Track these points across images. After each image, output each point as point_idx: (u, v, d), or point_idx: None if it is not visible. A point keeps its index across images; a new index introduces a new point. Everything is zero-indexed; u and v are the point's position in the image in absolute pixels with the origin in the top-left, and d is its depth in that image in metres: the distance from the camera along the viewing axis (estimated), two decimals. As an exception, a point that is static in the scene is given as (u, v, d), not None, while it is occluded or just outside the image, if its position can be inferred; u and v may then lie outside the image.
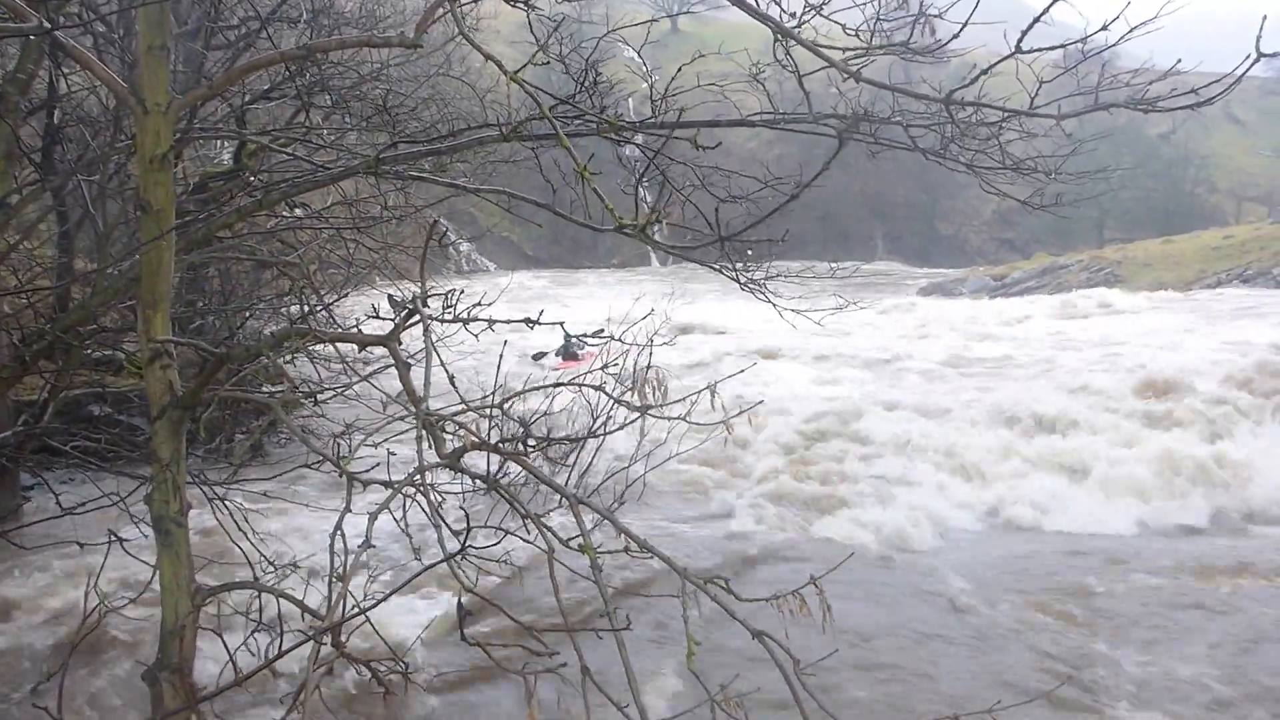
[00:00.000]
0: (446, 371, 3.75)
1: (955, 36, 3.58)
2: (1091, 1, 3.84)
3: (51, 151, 5.78)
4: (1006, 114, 3.85)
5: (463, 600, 3.37)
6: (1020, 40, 3.36)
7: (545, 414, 6.27)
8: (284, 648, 4.38)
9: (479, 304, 4.03)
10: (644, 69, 6.22)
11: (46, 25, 3.61)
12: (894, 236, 65.39)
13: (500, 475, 3.85)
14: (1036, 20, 3.23)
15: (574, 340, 4.41)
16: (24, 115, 5.13)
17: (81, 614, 6.38)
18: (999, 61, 3.47)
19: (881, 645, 7.07)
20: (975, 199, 62.69)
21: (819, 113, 4.90)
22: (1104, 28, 3.29)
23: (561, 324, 3.96)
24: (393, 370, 4.13)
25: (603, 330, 4.27)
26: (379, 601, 3.95)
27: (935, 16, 3.97)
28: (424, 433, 3.54)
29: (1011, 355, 20.28)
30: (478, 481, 3.78)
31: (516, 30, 4.15)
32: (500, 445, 3.51)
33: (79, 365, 6.37)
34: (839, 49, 4.01)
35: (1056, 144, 4.61)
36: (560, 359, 19.09)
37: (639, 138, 5.41)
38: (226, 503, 6.02)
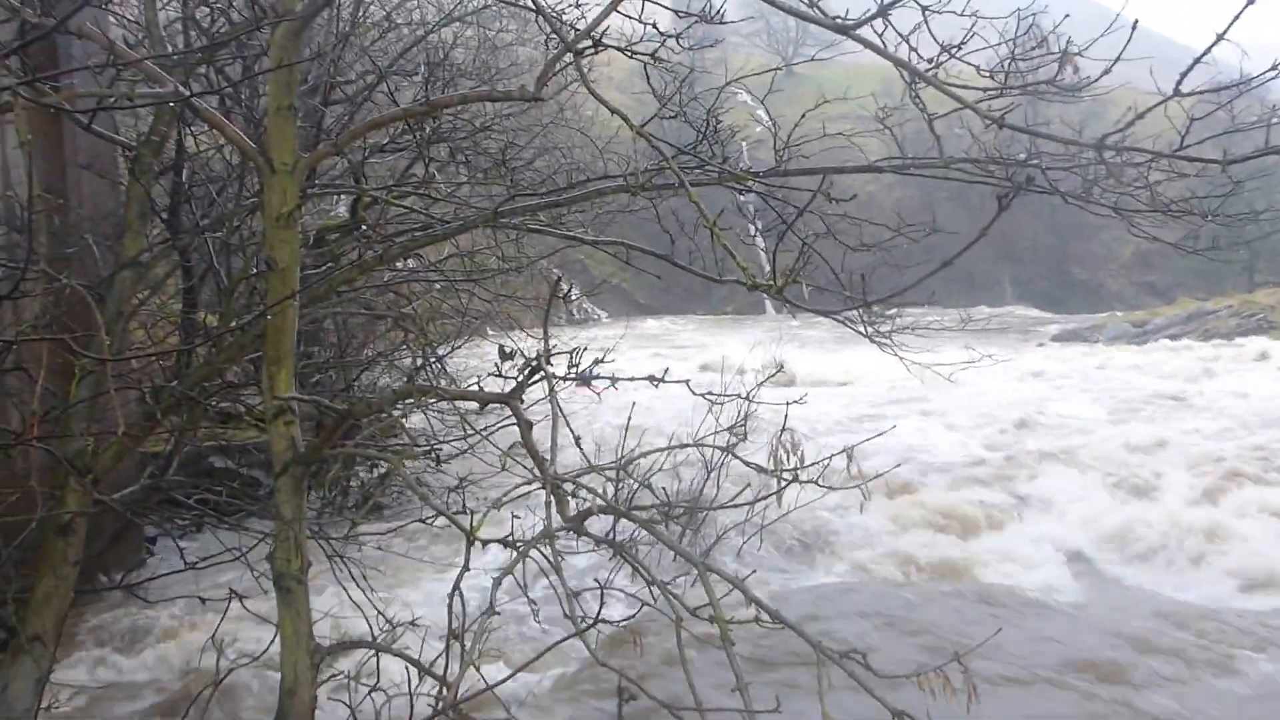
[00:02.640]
0: (572, 432, 3.65)
1: (1105, 73, 3.39)
2: (1235, 33, 3.64)
3: (178, 210, 5.88)
4: (1165, 156, 3.63)
5: (623, 684, 3.23)
6: (1180, 82, 3.17)
7: (659, 470, 6.14)
8: (408, 711, 4.29)
9: (599, 360, 3.93)
10: (766, 118, 6.13)
11: (184, 92, 3.63)
12: (1023, 281, 63.21)
13: (620, 537, 3.72)
14: (1197, 61, 3.04)
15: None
16: (155, 176, 5.21)
17: (202, 668, 6.42)
18: (1157, 105, 3.28)
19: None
20: (1112, 241, 60.30)
21: (949, 156, 4.74)
22: (1275, 67, 3.08)
23: (687, 382, 3.84)
24: (509, 423, 4.06)
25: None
26: (509, 676, 3.85)
27: (1078, 54, 3.78)
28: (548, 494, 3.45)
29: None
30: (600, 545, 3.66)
31: (628, 77, 4.11)
32: (630, 511, 3.39)
33: (201, 419, 6.43)
34: (975, 88, 3.85)
35: (1210, 184, 4.36)
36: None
37: (759, 186, 5.30)
38: (344, 560, 5.99)
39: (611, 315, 47.79)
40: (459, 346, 10.40)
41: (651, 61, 3.97)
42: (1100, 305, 57.14)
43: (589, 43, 3.77)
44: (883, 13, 3.60)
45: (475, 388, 4.59)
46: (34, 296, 3.27)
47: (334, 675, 5.36)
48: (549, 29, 4.27)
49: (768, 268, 4.00)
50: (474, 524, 3.52)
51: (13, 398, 6.57)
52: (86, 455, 4.58)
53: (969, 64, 4.35)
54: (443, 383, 8.44)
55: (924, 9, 3.90)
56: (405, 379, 7.26)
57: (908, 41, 4.05)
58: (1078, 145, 3.74)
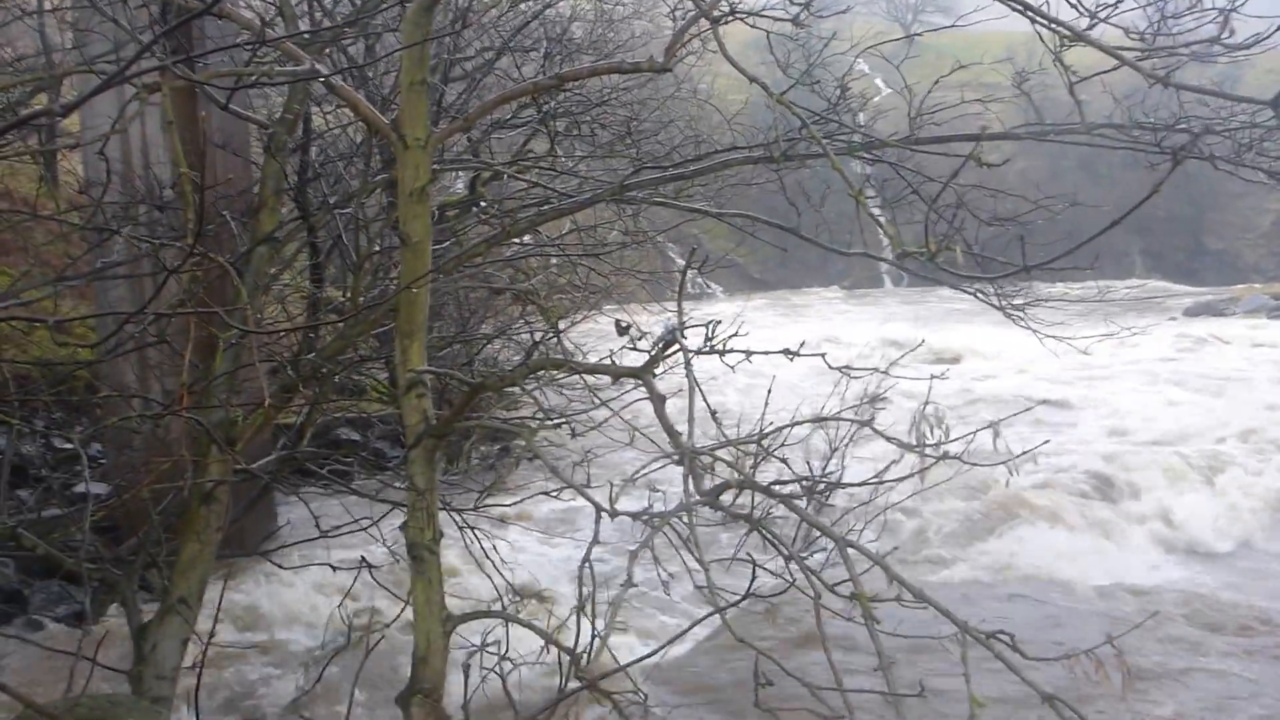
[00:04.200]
0: (708, 406, 3.62)
1: (1277, 30, 3.22)
2: None
3: (306, 187, 5.97)
4: None
5: (761, 666, 3.20)
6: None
7: (787, 445, 6.06)
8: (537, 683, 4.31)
9: (735, 334, 3.88)
10: (885, 87, 6.00)
11: (322, 70, 3.68)
12: (1154, 253, 60.44)
13: (757, 512, 3.68)
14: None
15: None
16: (289, 154, 5.30)
17: (335, 633, 6.58)
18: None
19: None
20: (1249, 210, 57.42)
21: (1091, 122, 4.57)
22: None
23: (824, 355, 3.77)
24: (639, 398, 4.04)
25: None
26: (651, 654, 3.85)
27: (1232, 11, 3.61)
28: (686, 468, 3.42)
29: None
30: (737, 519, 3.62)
31: (741, 49, 4.03)
32: (770, 486, 3.35)
33: (331, 392, 6.56)
34: (1125, 49, 3.70)
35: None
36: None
37: (891, 156, 5.20)
38: (473, 530, 6.06)
39: (727, 290, 47.27)
40: (578, 321, 10.43)
41: (791, 30, 3.89)
42: (1236, 277, 54.49)
43: (725, 10, 3.71)
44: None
45: (603, 359, 4.58)
46: (181, 272, 3.33)
47: (464, 645, 5.45)
48: (679, -1, 4.23)
49: (887, 241, 3.90)
50: (611, 497, 3.51)
51: (155, 370, 6.81)
52: (230, 426, 4.71)
53: (1114, 24, 4.19)
54: (564, 355, 8.47)
55: (1070, -33, 3.77)
56: (525, 353, 7.30)
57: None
58: (1252, 103, 3.56)
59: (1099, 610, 8.14)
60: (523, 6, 9.99)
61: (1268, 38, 3.29)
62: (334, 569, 6.59)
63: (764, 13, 4.13)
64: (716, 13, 3.78)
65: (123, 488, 6.47)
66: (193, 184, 3.37)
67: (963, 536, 10.54)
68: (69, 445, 6.70)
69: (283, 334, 6.46)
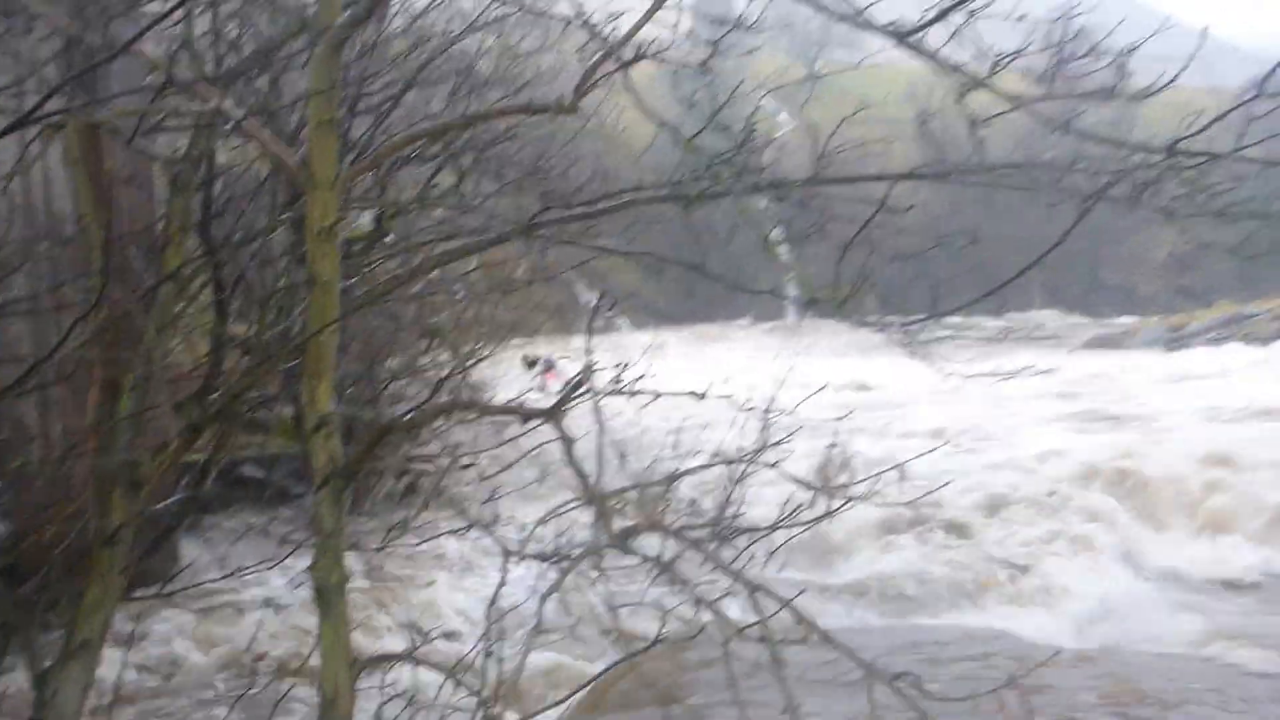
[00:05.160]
0: (617, 449, 3.64)
1: (1171, 82, 3.35)
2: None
3: (209, 224, 5.88)
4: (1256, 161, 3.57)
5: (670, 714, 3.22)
6: (1265, 80, 3.12)
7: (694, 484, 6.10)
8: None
9: (643, 376, 3.92)
10: (788, 123, 6.11)
11: (230, 108, 3.64)
12: (1053, 285, 61.81)
13: (668, 553, 3.70)
14: (1280, 65, 3.00)
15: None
16: (195, 190, 5.24)
17: (238, 677, 6.46)
18: (1241, 105, 3.23)
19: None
20: (1145, 243, 59.34)
21: (992, 163, 4.70)
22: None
23: (731, 396, 3.82)
24: (549, 437, 4.05)
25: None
26: (561, 702, 3.85)
27: (1128, 55, 3.75)
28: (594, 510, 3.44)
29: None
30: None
31: (648, 84, 4.09)
32: (680, 529, 3.38)
33: (237, 430, 6.45)
34: (1024, 97, 3.82)
35: (1268, 185, 4.29)
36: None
37: (797, 193, 5.27)
38: (380, 571, 6.01)
39: (633, 323, 47.35)
40: (485, 357, 10.40)
41: (701, 71, 3.95)
42: (1133, 309, 56.26)
43: (633, 53, 3.75)
44: (942, 17, 3.58)
45: (513, 400, 4.59)
46: (95, 307, 3.28)
47: (371, 687, 5.38)
48: (588, 37, 4.26)
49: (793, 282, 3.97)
50: (520, 539, 3.52)
51: (57, 410, 6.64)
52: (134, 468, 4.61)
53: (1014, 68, 4.32)
54: (469, 393, 8.46)
55: (970, 13, 3.88)
56: (432, 390, 7.28)
57: (958, 43, 4.03)
58: (1147, 151, 3.69)
59: (1004, 650, 8.27)
60: (431, 41, 9.96)
61: (1158, 92, 3.42)
62: (239, 610, 6.49)
63: (670, 55, 4.18)
64: (624, 55, 3.82)
65: (23, 529, 6.31)
66: (98, 221, 3.32)
67: (869, 571, 10.70)
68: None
69: (189, 374, 6.34)
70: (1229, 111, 3.25)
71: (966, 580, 10.72)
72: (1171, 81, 3.32)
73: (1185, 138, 3.42)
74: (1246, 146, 3.52)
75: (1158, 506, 13.09)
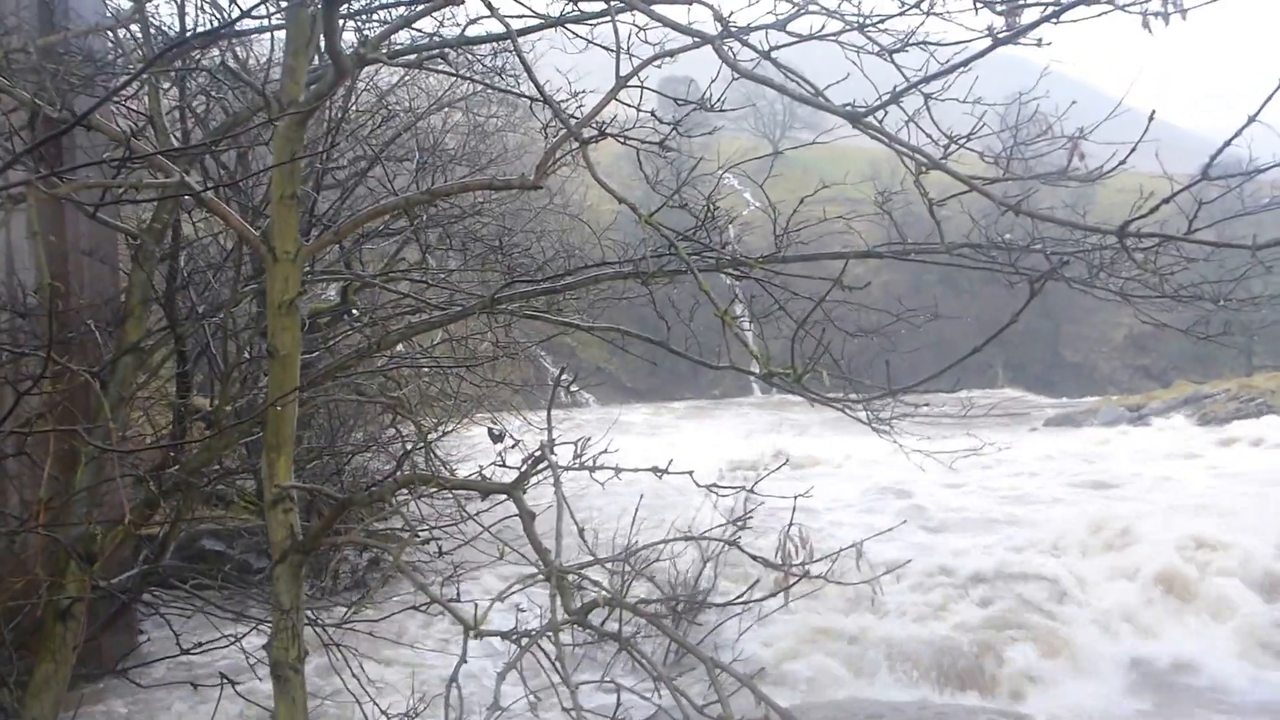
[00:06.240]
0: (576, 524, 3.63)
1: (1120, 165, 3.43)
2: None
3: (174, 296, 5.88)
4: (1204, 244, 3.65)
5: None
6: (1209, 166, 3.20)
7: (657, 560, 6.07)
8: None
9: (605, 450, 3.93)
10: (754, 202, 6.19)
11: (192, 183, 3.66)
12: (1015, 364, 62.15)
13: (625, 631, 3.68)
14: (1226, 145, 3.07)
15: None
16: (158, 262, 5.24)
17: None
18: (1187, 188, 3.30)
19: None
20: (1104, 324, 60.09)
21: (952, 242, 4.78)
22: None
23: (691, 473, 3.83)
24: (510, 512, 4.03)
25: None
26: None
27: (1081, 138, 3.84)
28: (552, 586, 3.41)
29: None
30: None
31: (614, 162, 4.15)
32: (637, 605, 3.36)
33: (197, 503, 6.39)
34: (980, 179, 3.90)
35: (1218, 268, 4.38)
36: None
37: (757, 272, 5.34)
38: (339, 647, 5.91)
39: (599, 399, 47.30)
40: (449, 431, 10.36)
41: (659, 151, 4.01)
42: (1093, 388, 56.72)
43: (594, 131, 3.81)
44: (895, 100, 3.66)
45: (473, 474, 4.58)
46: (41, 379, 3.25)
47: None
48: (550, 116, 4.32)
49: (755, 352, 4.01)
50: (477, 617, 3.48)
51: (13, 481, 6.54)
52: (90, 541, 4.54)
53: (970, 149, 4.41)
54: (434, 467, 8.41)
55: (926, 97, 3.97)
56: (396, 464, 7.25)
57: (916, 125, 4.12)
58: (1099, 232, 3.77)
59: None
60: (398, 118, 10.06)
61: (1109, 174, 3.50)
62: (195, 686, 6.35)
63: (632, 135, 4.25)
64: (585, 134, 3.87)
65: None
66: (52, 292, 3.31)
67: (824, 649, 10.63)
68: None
69: (146, 448, 6.29)
70: (1175, 195, 3.32)
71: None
72: (1121, 164, 3.39)
73: (1136, 219, 3.49)
74: (1197, 230, 3.60)
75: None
